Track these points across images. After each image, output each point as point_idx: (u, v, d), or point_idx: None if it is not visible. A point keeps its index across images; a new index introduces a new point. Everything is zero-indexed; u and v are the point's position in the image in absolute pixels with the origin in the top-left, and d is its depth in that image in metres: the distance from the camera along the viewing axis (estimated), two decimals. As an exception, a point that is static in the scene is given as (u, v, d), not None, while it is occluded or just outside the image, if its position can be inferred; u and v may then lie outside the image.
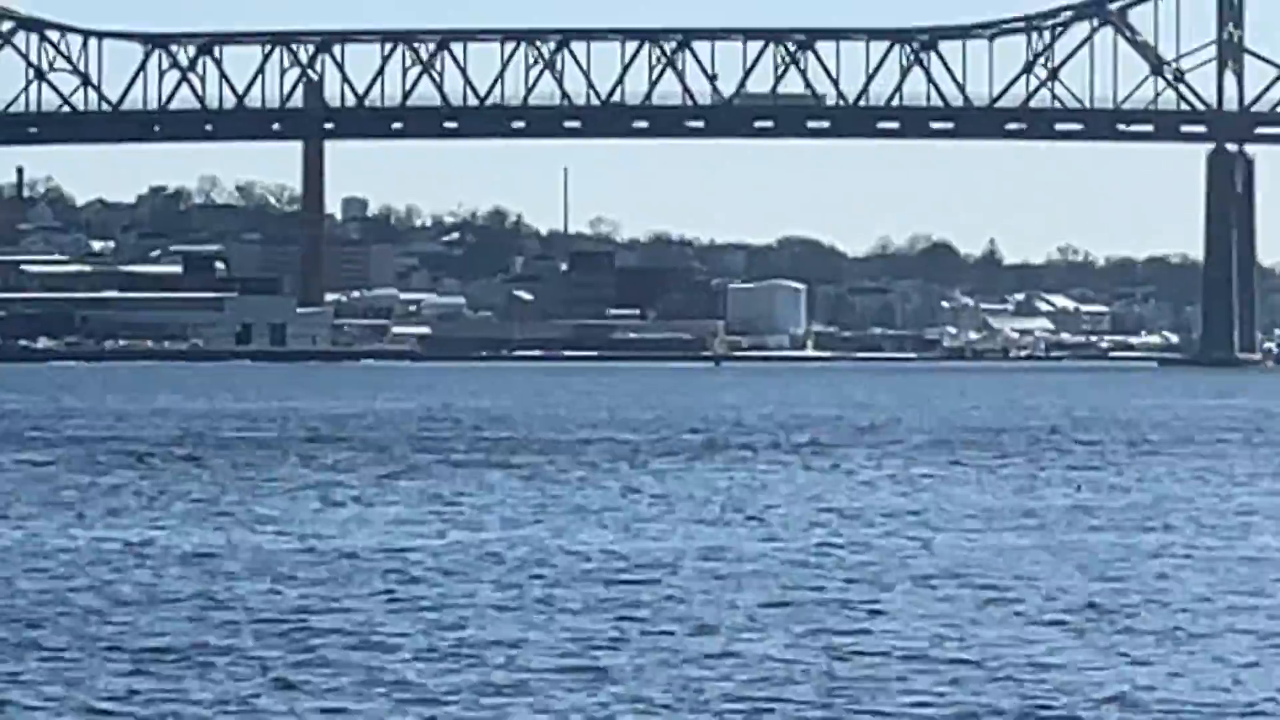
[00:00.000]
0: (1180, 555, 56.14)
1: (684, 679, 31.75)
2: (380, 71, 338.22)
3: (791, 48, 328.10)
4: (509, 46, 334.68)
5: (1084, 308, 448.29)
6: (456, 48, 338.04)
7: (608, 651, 35.18)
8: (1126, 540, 61.68)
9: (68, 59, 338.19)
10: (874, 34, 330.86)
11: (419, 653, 33.98)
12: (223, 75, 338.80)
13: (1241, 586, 46.54)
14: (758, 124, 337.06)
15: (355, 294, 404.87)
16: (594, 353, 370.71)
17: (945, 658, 32.70)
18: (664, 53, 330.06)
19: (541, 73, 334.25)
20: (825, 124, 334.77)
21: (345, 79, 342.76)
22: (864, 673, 30.62)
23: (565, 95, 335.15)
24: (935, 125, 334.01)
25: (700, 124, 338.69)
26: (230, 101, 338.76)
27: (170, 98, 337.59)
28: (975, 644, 35.54)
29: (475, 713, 26.42)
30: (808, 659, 32.15)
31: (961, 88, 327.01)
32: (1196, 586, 46.28)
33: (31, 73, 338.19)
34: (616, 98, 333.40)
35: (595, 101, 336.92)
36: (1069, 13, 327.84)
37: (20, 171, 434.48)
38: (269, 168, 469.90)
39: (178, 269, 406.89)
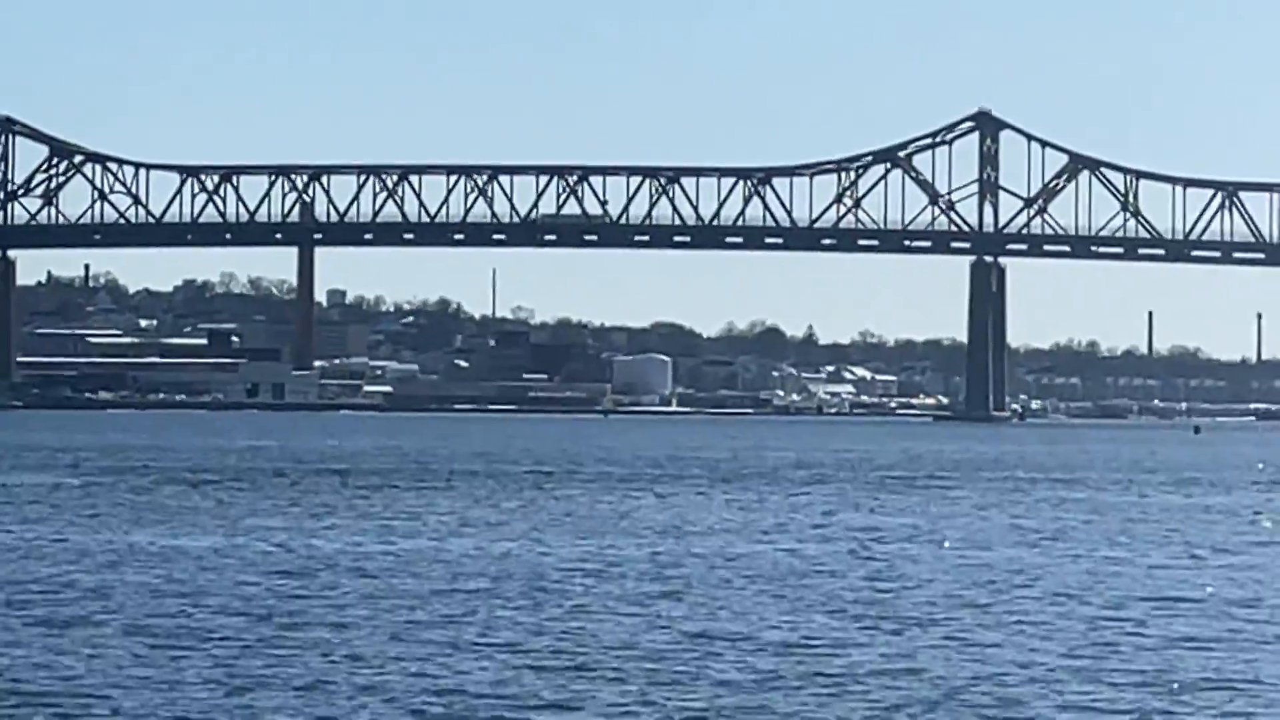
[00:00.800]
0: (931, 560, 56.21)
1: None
2: (356, 196, 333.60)
3: (663, 181, 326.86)
4: (452, 178, 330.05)
5: (878, 377, 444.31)
6: (414, 179, 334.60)
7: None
8: (895, 548, 60.82)
9: (123, 184, 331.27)
10: (724, 171, 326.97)
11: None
12: (239, 197, 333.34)
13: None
14: (637, 238, 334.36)
15: (336, 361, 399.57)
16: (514, 407, 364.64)
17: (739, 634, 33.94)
18: (568, 184, 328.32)
19: (476, 198, 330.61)
20: (688, 238, 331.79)
21: (330, 201, 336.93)
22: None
23: (494, 215, 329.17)
24: (770, 240, 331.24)
25: (595, 237, 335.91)
26: (244, 216, 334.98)
27: (199, 213, 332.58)
28: (770, 627, 36.65)
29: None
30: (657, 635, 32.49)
31: (789, 212, 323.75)
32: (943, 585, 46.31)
33: (96, 194, 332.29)
34: (531, 216, 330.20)
35: (515, 219, 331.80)
36: (869, 157, 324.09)
37: (87, 267, 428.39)
38: (273, 267, 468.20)
39: (203, 341, 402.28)
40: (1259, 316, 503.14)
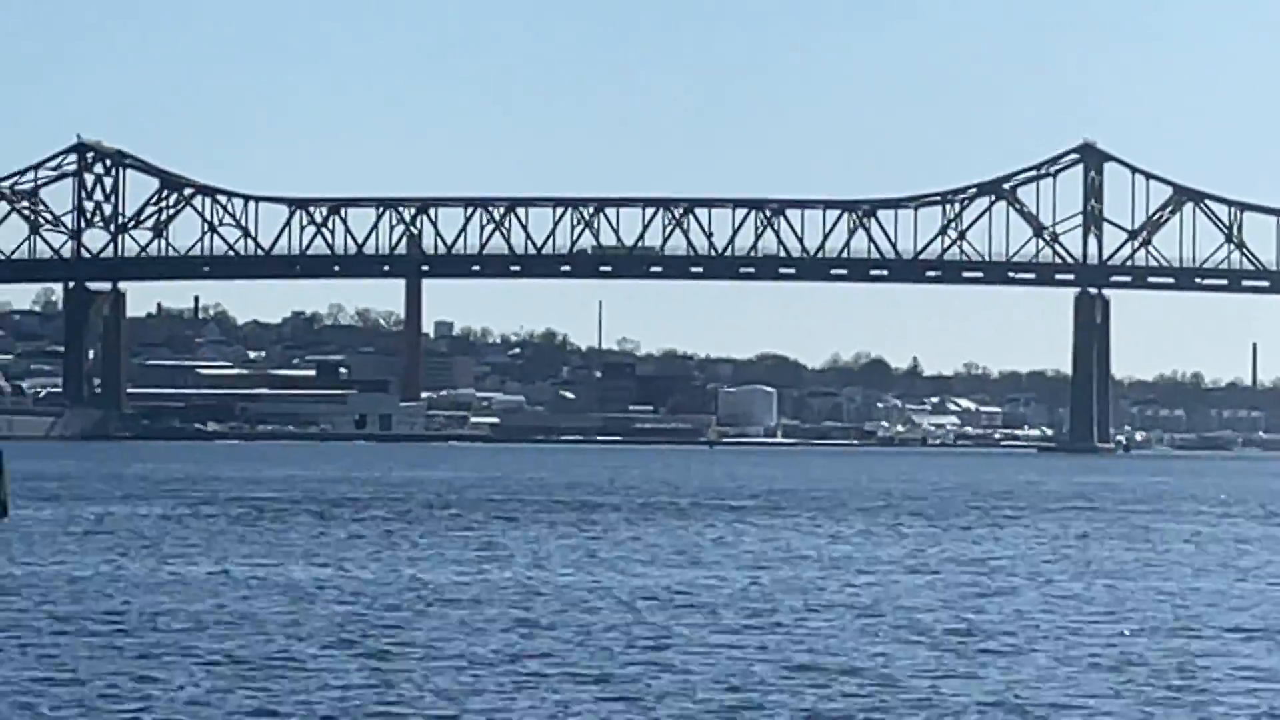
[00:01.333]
0: (1029, 593, 54.55)
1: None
2: (463, 228, 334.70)
3: (768, 214, 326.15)
4: (558, 210, 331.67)
5: (983, 408, 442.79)
6: (520, 211, 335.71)
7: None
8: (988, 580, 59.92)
9: (233, 216, 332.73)
10: (829, 204, 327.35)
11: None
12: (347, 229, 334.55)
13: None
14: (742, 270, 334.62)
15: (443, 392, 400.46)
16: (619, 438, 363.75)
17: (834, 666, 32.61)
18: (674, 216, 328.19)
19: (583, 230, 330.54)
20: (793, 270, 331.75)
21: (438, 233, 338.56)
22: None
23: (600, 246, 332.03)
24: (874, 272, 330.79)
25: (701, 269, 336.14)
26: (352, 249, 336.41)
27: (308, 246, 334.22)
28: (862, 655, 35.63)
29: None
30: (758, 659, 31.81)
31: (894, 244, 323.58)
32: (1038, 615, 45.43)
33: (205, 226, 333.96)
34: (637, 247, 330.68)
35: (621, 251, 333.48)
36: (974, 190, 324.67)
37: (196, 299, 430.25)
38: (381, 298, 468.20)
39: (312, 372, 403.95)
40: None
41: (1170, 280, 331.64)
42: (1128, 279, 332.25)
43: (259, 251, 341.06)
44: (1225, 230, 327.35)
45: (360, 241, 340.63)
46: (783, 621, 47.60)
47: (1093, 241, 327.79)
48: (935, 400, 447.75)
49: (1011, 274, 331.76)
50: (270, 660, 37.20)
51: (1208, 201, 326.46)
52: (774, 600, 55.59)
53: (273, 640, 41.87)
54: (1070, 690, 31.97)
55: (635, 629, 46.10)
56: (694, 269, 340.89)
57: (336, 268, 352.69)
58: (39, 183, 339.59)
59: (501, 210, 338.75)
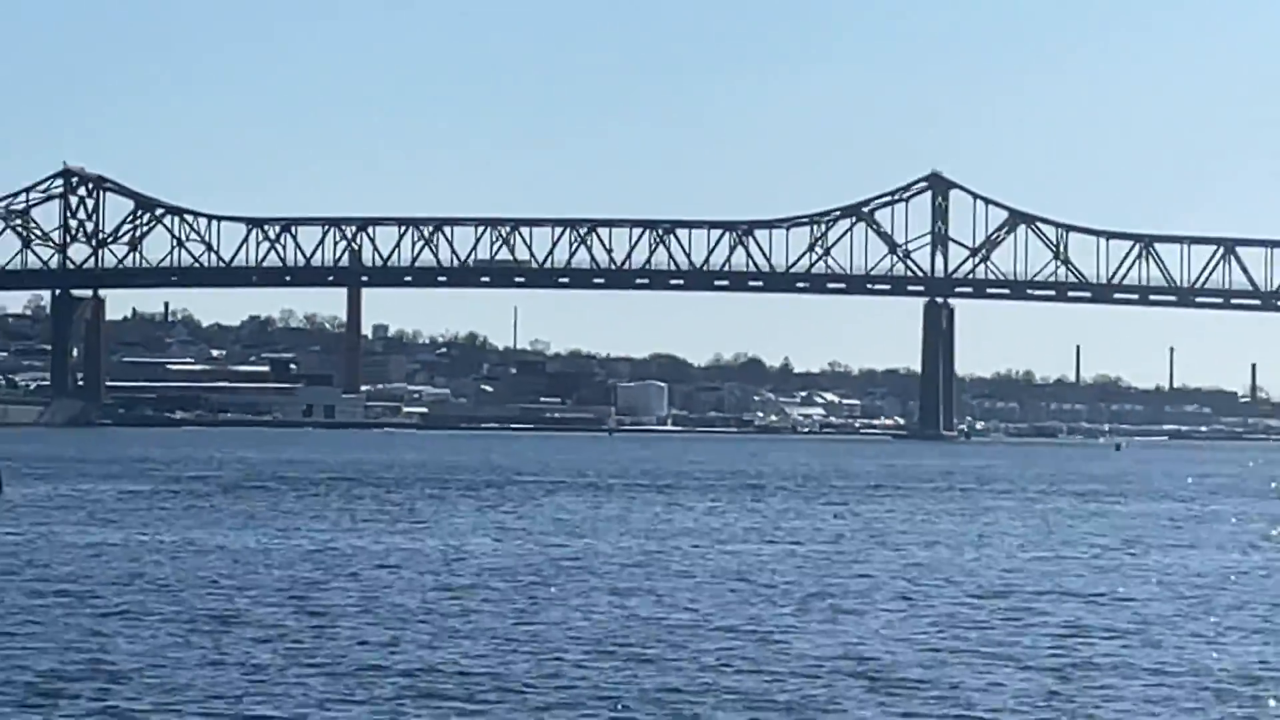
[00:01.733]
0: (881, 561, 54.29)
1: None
2: (397, 244, 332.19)
3: (661, 232, 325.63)
4: (480, 229, 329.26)
5: (844, 401, 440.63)
6: (447, 229, 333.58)
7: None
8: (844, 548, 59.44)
9: (198, 233, 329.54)
10: (712, 224, 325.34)
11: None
12: (297, 245, 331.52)
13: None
14: (638, 281, 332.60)
15: (379, 386, 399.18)
16: (532, 426, 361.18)
17: (709, 624, 33.33)
18: (579, 234, 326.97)
19: (500, 246, 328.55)
20: (681, 281, 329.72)
21: (375, 249, 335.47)
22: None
23: (515, 260, 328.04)
24: (751, 284, 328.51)
25: (602, 280, 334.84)
26: (301, 262, 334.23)
27: (263, 259, 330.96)
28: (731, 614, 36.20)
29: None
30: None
31: (768, 259, 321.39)
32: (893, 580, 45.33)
33: (175, 242, 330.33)
34: (547, 263, 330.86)
35: (534, 265, 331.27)
36: (837, 212, 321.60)
37: (166, 305, 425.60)
38: (326, 305, 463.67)
39: (266, 368, 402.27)
40: (1171, 350, 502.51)
41: (1006, 291, 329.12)
42: (969, 290, 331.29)
43: (221, 263, 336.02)
44: (1053, 248, 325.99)
45: (308, 255, 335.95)
46: (660, 586, 47.40)
47: (939, 257, 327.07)
48: (804, 394, 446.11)
49: (869, 286, 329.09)
50: (220, 616, 37.90)
51: (1038, 223, 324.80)
52: (657, 565, 55.75)
53: (221, 598, 42.57)
54: (910, 644, 33.08)
55: (533, 589, 46.41)
56: (596, 280, 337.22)
57: (288, 278, 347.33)
58: (30, 203, 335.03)
59: (431, 229, 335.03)
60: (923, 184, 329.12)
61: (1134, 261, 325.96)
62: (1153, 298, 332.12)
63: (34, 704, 25.15)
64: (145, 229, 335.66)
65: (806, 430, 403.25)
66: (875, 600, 43.70)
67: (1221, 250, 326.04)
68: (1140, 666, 29.87)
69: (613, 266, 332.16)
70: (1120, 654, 32.45)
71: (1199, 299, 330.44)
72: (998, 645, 33.45)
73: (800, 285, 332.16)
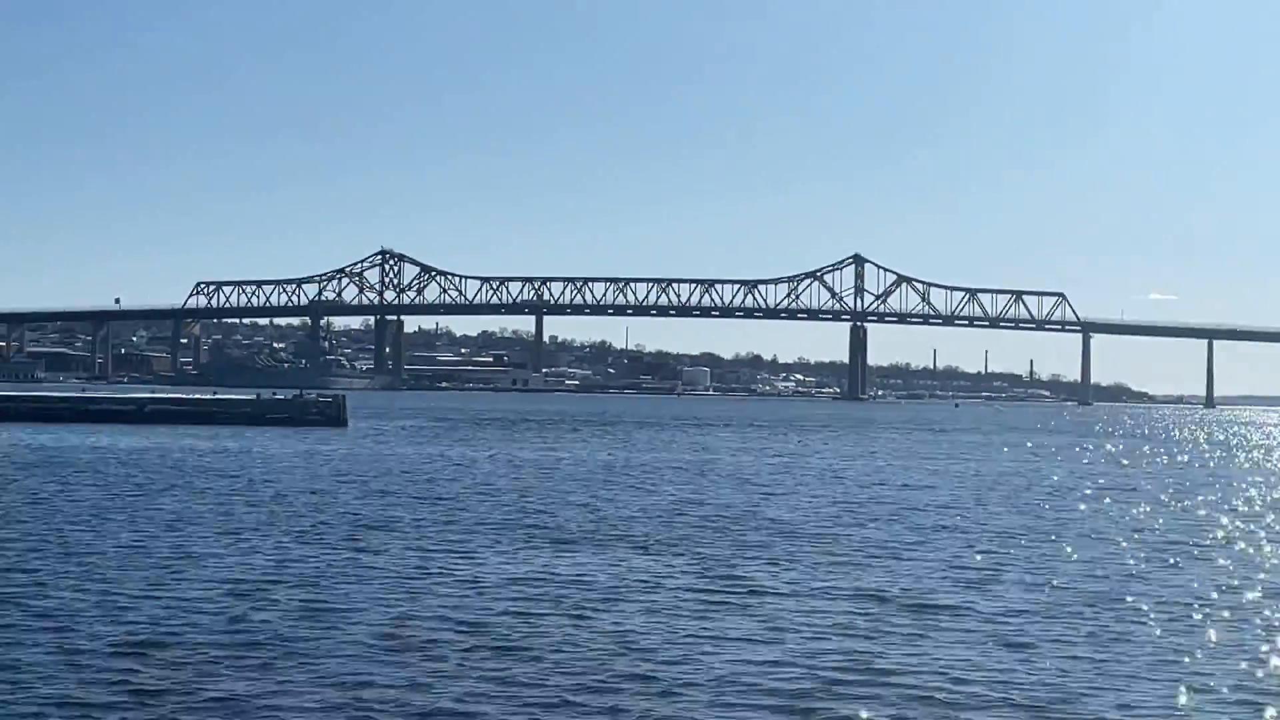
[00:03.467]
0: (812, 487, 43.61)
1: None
2: (563, 291, 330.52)
3: (705, 285, 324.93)
4: (606, 285, 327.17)
5: (806, 377, 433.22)
6: (591, 284, 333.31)
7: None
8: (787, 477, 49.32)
9: (455, 285, 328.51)
10: (735, 281, 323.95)
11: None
12: (507, 290, 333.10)
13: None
14: (694, 312, 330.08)
15: (551, 369, 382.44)
16: (634, 393, 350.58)
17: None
18: (661, 286, 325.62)
19: (615, 293, 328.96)
20: (717, 312, 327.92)
21: (550, 292, 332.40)
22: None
23: (626, 301, 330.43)
24: (756, 314, 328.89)
25: (674, 312, 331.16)
26: (510, 299, 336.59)
27: (489, 297, 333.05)
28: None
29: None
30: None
31: (764, 301, 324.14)
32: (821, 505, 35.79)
33: (439, 290, 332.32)
34: (645, 301, 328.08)
35: (635, 303, 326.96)
36: (804, 276, 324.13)
37: (436, 324, 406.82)
38: (524, 324, 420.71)
39: (491, 359, 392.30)
40: (986, 352, 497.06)
41: (896, 319, 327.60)
42: (875, 318, 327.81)
43: (466, 300, 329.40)
44: (921, 295, 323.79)
45: (514, 296, 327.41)
46: (700, 481, 46.83)
47: (859, 301, 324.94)
48: (784, 375, 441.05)
49: (821, 316, 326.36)
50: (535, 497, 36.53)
51: (913, 282, 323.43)
52: (700, 466, 55.21)
53: (516, 490, 40.10)
54: (808, 510, 33.63)
55: (628, 476, 46.98)
56: (670, 312, 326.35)
57: (503, 310, 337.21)
58: (364, 268, 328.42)
59: (579, 284, 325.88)
60: (850, 260, 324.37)
61: (964, 302, 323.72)
62: (975, 324, 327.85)
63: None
64: (425, 282, 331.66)
65: (788, 394, 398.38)
66: (805, 481, 44.85)
67: (1012, 297, 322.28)
68: (934, 524, 30.48)
69: (678, 303, 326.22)
70: (926, 510, 34.73)
71: (1002, 323, 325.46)
72: (856, 508, 34.96)
73: (782, 315, 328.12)
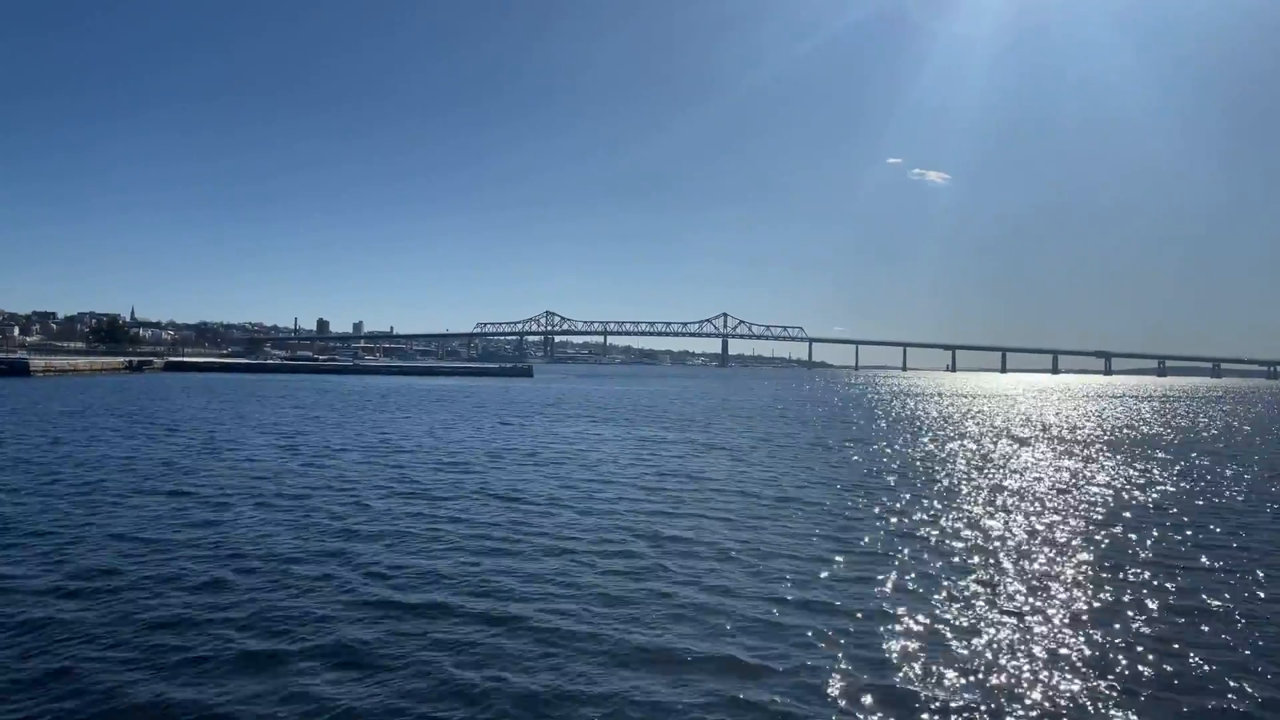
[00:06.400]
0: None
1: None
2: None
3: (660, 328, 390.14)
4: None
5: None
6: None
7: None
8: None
9: (576, 330, 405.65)
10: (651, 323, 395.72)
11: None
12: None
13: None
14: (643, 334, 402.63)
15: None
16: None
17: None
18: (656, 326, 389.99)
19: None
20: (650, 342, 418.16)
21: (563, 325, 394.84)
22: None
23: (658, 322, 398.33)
24: (688, 335, 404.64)
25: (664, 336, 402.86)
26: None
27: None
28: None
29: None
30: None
31: (683, 326, 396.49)
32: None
33: (569, 338, 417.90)
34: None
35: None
36: (705, 321, 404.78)
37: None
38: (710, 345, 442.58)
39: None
40: (809, 351, 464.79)
41: (745, 344, 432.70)
42: (737, 338, 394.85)
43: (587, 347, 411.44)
44: (768, 335, 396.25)
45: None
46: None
47: (726, 333, 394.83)
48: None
49: (708, 345, 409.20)
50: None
51: (750, 324, 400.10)
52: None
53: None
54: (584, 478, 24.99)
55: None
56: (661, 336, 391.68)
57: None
58: (530, 327, 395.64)
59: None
60: (721, 314, 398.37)
61: (783, 332, 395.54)
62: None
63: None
64: (560, 326, 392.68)
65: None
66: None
67: (804, 332, 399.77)
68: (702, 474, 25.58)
69: (676, 331, 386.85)
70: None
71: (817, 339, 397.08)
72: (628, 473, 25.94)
73: (695, 339, 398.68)
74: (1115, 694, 10.68)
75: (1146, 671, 11.25)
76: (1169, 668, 11.41)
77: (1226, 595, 14.19)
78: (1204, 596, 14.09)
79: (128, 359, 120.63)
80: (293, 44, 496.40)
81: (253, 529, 17.25)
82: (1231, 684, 11.07)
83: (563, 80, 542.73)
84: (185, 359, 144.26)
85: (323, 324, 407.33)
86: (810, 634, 12.16)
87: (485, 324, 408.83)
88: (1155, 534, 18.55)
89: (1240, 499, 23.47)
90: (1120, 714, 10.27)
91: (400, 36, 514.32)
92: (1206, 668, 11.46)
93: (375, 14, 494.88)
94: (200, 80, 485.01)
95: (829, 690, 10.69)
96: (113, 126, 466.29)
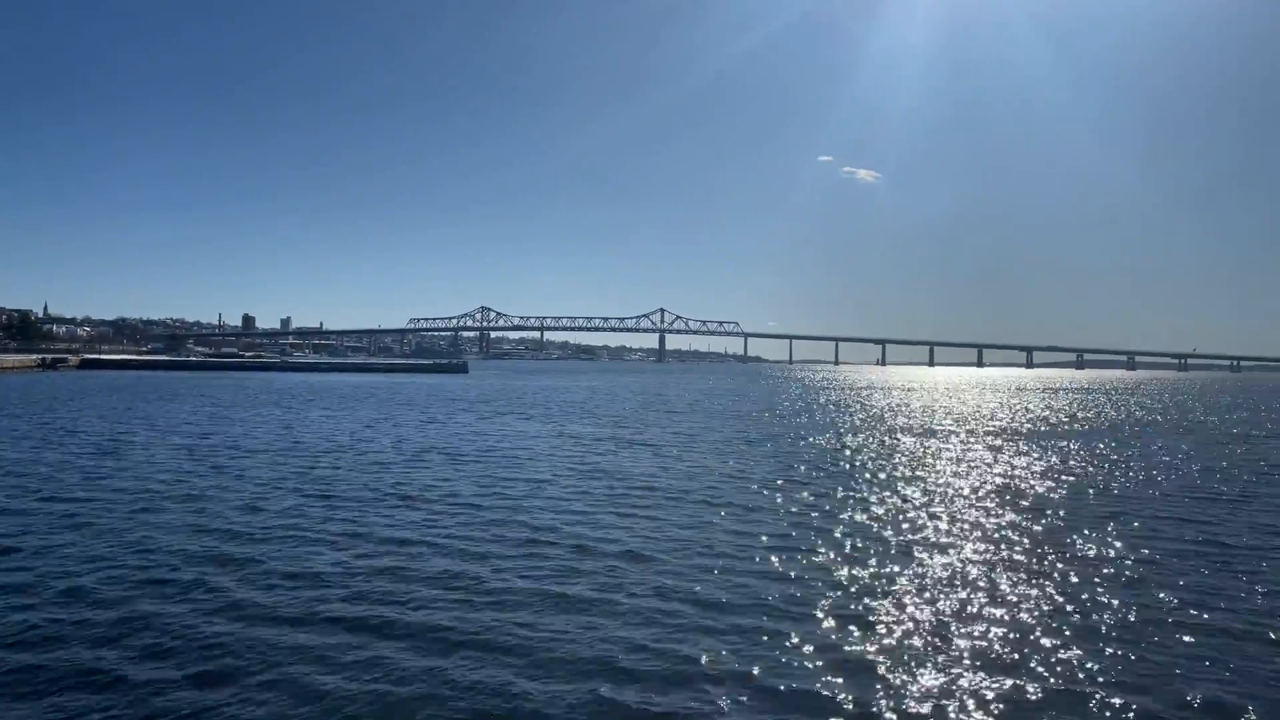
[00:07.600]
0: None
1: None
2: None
3: (614, 323, 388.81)
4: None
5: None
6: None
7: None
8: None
9: (513, 324, 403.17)
10: (591, 318, 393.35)
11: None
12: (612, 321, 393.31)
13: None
14: (603, 329, 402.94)
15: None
16: None
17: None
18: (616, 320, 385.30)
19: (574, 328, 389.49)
20: (590, 337, 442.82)
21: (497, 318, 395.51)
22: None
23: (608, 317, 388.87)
24: (619, 329, 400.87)
25: (609, 330, 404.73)
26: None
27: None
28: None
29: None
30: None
31: (622, 321, 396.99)
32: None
33: (507, 330, 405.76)
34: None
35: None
36: (643, 317, 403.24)
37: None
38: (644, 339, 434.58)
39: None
40: (742, 346, 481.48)
41: (682, 338, 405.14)
42: (674, 333, 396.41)
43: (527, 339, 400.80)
44: (704, 330, 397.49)
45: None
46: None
47: (664, 328, 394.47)
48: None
49: (644, 333, 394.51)
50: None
51: (687, 320, 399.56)
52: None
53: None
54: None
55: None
56: (606, 330, 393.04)
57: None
58: (463, 322, 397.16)
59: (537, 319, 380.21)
60: (659, 309, 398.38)
61: (719, 327, 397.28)
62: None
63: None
64: (493, 320, 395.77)
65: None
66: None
67: (739, 327, 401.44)
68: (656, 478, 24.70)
69: (613, 326, 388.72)
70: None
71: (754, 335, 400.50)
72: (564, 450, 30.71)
73: (631, 334, 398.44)
74: (1037, 690, 10.70)
75: (1062, 669, 11.24)
76: (1076, 657, 11.55)
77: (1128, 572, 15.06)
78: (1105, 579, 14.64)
79: (40, 357, 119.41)
80: (220, 44, 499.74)
81: (133, 534, 16.76)
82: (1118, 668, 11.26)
83: (500, 75, 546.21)
84: (102, 356, 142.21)
85: (249, 320, 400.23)
86: (700, 629, 12.15)
87: (419, 320, 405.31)
88: (1052, 518, 19.31)
89: (1129, 483, 24.99)
90: (1046, 711, 10.26)
91: (335, 36, 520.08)
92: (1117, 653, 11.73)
93: (309, 13, 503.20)
94: (127, 73, 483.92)
95: (701, 684, 10.64)
96: (17, 113, 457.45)
